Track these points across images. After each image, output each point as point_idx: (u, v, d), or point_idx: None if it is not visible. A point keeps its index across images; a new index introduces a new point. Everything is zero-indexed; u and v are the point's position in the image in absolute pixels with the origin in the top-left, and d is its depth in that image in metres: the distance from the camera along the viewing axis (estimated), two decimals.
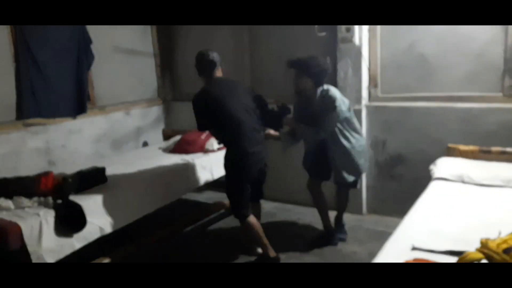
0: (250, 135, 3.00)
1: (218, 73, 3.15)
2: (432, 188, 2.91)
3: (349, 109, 3.19)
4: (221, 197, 4.15)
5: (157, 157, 3.84)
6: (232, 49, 4.59)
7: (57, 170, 3.47)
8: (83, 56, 4.01)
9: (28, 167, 3.56)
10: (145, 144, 4.74)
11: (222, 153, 3.83)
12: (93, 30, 4.10)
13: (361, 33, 3.73)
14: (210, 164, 3.71)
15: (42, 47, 3.69)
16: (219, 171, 3.68)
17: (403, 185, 3.81)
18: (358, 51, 3.76)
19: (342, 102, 3.14)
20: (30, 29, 3.59)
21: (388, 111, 3.82)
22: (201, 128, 3.11)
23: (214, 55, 3.11)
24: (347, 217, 4.00)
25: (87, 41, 4.04)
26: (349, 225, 3.83)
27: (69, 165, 3.71)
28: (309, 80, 3.12)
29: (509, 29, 3.30)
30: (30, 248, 2.44)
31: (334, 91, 3.16)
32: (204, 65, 3.11)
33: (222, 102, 2.96)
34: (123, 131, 4.56)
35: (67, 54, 3.90)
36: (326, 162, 3.32)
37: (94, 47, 4.11)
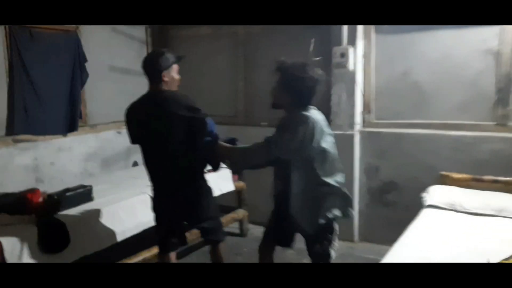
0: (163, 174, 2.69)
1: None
2: (424, 215, 2.88)
3: (323, 148, 2.34)
4: None
5: (145, 178, 3.76)
6: (227, 73, 4.62)
7: (44, 187, 3.40)
8: (78, 74, 4.00)
9: (15, 184, 3.48)
10: (135, 164, 4.68)
11: (213, 175, 3.81)
12: (89, 49, 4.12)
13: (356, 59, 3.75)
14: None
15: (37, 65, 3.68)
16: None
17: (395, 212, 3.76)
18: (352, 76, 3.78)
19: (319, 131, 2.31)
20: (25, 46, 3.59)
21: (381, 137, 3.81)
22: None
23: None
24: (338, 244, 3.93)
25: (82, 59, 4.04)
26: (340, 253, 3.73)
27: (57, 183, 3.64)
28: (286, 95, 2.39)
29: (501, 58, 3.33)
30: None
31: (314, 114, 2.36)
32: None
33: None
34: (114, 150, 4.51)
35: (62, 72, 3.88)
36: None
37: (89, 65, 4.11)
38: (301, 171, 2.36)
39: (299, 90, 2.34)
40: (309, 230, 2.43)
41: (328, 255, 2.48)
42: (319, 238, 2.46)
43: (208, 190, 2.75)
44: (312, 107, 2.41)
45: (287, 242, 2.67)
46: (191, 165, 2.61)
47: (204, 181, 2.74)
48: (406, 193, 3.69)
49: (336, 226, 2.50)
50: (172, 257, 2.83)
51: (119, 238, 3.01)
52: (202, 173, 2.73)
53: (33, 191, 2.89)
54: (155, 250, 3.17)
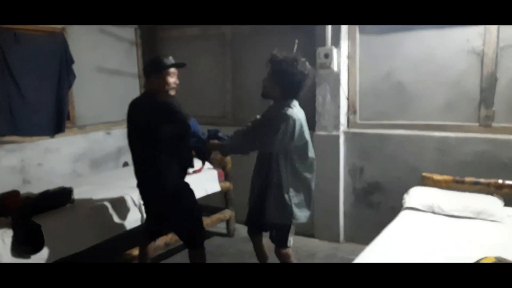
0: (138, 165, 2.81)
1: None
2: (401, 218, 2.87)
3: (301, 144, 2.57)
4: None
5: (132, 179, 3.78)
6: (215, 73, 4.63)
7: (32, 188, 3.44)
8: (64, 75, 4.01)
9: (1, 185, 3.51)
10: (125, 164, 4.70)
11: (198, 176, 3.84)
12: (77, 50, 4.14)
13: (340, 60, 3.73)
14: None
15: (22, 66, 3.69)
16: None
17: (380, 213, 3.75)
18: (336, 77, 3.76)
19: (299, 129, 2.51)
20: (10, 48, 3.61)
21: (366, 138, 3.80)
22: None
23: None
24: (324, 245, 3.95)
25: (69, 61, 4.05)
26: (324, 254, 3.77)
27: (45, 184, 3.64)
28: (276, 87, 2.54)
29: (485, 58, 3.29)
30: None
31: (296, 112, 2.53)
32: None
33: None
34: (103, 151, 4.53)
35: (48, 74, 3.90)
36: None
37: (76, 67, 4.12)
38: (278, 162, 2.55)
39: (288, 83, 2.51)
40: (277, 219, 2.63)
41: (287, 241, 2.69)
42: (282, 227, 2.67)
43: (186, 195, 2.77)
44: (296, 102, 2.60)
45: (260, 227, 2.85)
46: (169, 169, 2.65)
47: (183, 186, 2.76)
48: (390, 194, 3.68)
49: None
50: (151, 247, 2.99)
51: (98, 240, 3.03)
52: (181, 177, 2.76)
53: (13, 193, 2.92)
54: (136, 251, 3.19)
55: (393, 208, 3.45)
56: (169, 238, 3.44)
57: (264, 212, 2.63)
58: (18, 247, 2.54)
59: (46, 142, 3.99)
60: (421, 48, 3.52)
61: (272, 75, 2.54)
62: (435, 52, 3.47)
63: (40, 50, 3.84)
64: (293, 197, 2.57)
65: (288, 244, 2.69)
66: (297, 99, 2.60)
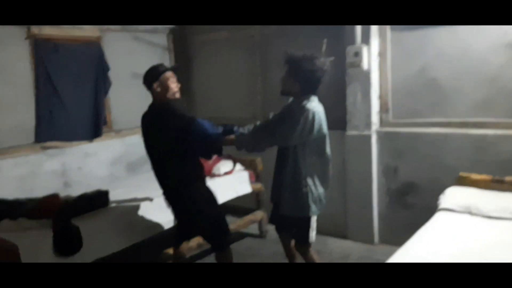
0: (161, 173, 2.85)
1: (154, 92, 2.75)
2: (435, 219, 2.78)
3: (320, 136, 2.61)
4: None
5: None
6: (245, 73, 4.67)
7: (72, 191, 3.60)
8: (101, 82, 4.19)
9: (45, 189, 3.69)
10: None
11: (229, 178, 3.88)
12: (112, 57, 4.29)
13: (370, 58, 3.67)
14: (215, 189, 3.69)
15: (61, 75, 3.89)
16: (223, 197, 3.65)
17: (415, 215, 3.63)
18: (367, 75, 3.70)
19: (318, 123, 2.55)
20: (50, 58, 3.80)
21: (399, 137, 3.71)
22: None
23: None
24: (357, 246, 3.89)
25: (105, 68, 4.22)
26: (358, 255, 3.72)
27: (84, 187, 3.80)
28: (296, 83, 2.61)
29: None
30: None
31: (315, 105, 2.58)
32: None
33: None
34: (139, 154, 4.63)
35: (85, 81, 4.08)
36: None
37: (112, 73, 4.28)
38: (296, 156, 2.60)
39: (307, 80, 2.59)
40: (297, 213, 2.66)
41: (307, 237, 2.71)
42: (302, 222, 2.69)
43: (207, 198, 2.82)
44: (315, 97, 2.66)
45: (281, 223, 2.87)
46: (184, 174, 2.72)
47: (203, 189, 2.81)
48: (426, 195, 3.56)
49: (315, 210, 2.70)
50: (185, 248, 3.07)
51: (134, 240, 3.13)
52: (200, 180, 2.82)
53: (53, 196, 3.06)
54: (170, 252, 3.26)
55: (429, 209, 3.33)
56: (202, 239, 3.49)
57: (283, 206, 2.69)
58: (58, 248, 2.66)
59: (85, 147, 4.16)
60: (455, 43, 3.40)
61: (290, 72, 2.63)
62: (470, 47, 3.34)
63: (77, 58, 4.02)
64: (310, 191, 2.61)
65: (310, 240, 2.73)
66: (315, 94, 2.66)
